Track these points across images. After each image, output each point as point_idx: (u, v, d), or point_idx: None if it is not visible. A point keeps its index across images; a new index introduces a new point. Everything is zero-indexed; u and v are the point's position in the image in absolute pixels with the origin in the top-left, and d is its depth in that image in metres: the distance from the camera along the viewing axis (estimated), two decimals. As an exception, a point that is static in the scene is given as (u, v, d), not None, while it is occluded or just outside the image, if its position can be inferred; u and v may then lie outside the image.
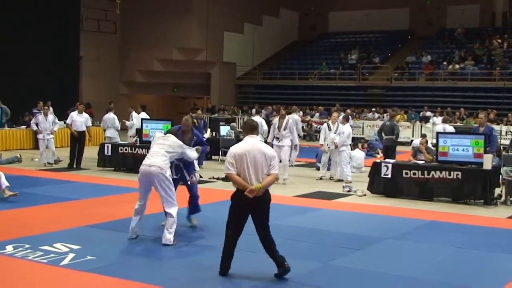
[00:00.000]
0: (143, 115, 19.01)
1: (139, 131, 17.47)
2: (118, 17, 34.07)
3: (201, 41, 34.33)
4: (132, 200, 11.87)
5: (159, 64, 35.54)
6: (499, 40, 34.04)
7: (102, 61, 34.35)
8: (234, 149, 6.88)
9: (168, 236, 8.37)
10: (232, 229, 6.92)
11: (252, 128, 7.04)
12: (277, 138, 15.15)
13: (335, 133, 15.48)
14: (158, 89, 37.40)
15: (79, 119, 17.16)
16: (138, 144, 16.72)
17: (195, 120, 17.49)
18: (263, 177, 6.76)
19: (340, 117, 16.81)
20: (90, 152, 18.18)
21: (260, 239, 6.96)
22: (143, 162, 8.63)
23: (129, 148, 16.66)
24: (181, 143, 8.90)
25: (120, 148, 16.85)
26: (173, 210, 8.49)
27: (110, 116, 19.37)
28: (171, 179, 8.59)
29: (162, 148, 8.68)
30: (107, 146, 17.04)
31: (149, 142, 16.04)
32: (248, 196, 6.62)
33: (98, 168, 16.93)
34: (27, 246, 8.02)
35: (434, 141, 14.22)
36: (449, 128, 17.22)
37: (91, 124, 17.93)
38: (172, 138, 8.88)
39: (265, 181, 6.77)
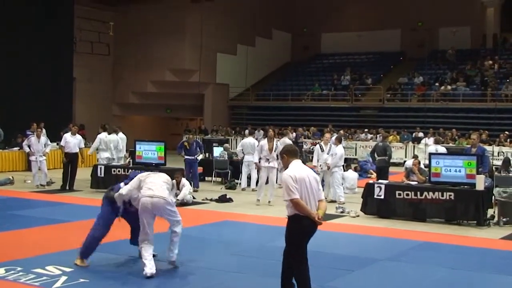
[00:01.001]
0: (103, 135, 18.14)
1: (132, 153, 17.46)
2: (111, 39, 34.19)
3: (194, 63, 34.45)
4: (124, 221, 11.86)
5: (152, 86, 35.60)
6: (490, 62, 34.31)
7: (95, 83, 34.40)
8: (293, 173, 6.46)
9: (176, 252, 8.33)
10: (304, 259, 6.54)
11: (296, 152, 6.78)
12: (267, 160, 15.21)
13: (328, 154, 15.52)
14: (151, 110, 37.44)
15: (73, 141, 17.16)
16: (131, 165, 16.70)
17: (185, 144, 17.54)
18: (315, 202, 6.52)
19: (333, 138, 16.85)
20: (83, 174, 18.15)
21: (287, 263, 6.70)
22: (145, 194, 8.13)
23: (122, 169, 16.64)
24: (171, 181, 8.68)
25: (113, 169, 16.82)
26: (180, 228, 8.47)
27: (114, 137, 18.65)
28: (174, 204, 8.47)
29: (160, 179, 8.42)
30: (100, 168, 17.01)
31: (143, 164, 16.20)
32: (317, 223, 6.36)
33: (91, 189, 16.88)
34: (19, 268, 7.98)
35: (427, 161, 14.26)
36: (441, 149, 17.26)
37: (83, 146, 17.90)
38: (165, 175, 8.64)
39: (324, 208, 6.59)
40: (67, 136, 17.27)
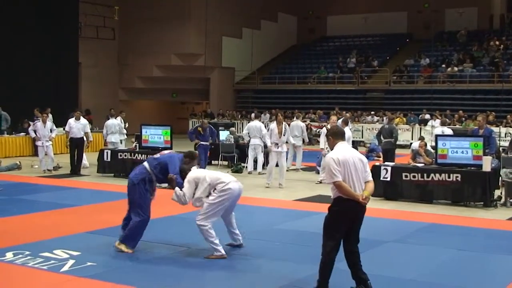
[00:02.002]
0: (83, 120, 17.84)
1: (138, 137, 17.48)
2: (116, 23, 34.10)
3: (199, 47, 34.36)
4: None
5: (158, 70, 35.58)
6: (497, 42, 34.09)
7: (101, 68, 34.40)
8: (336, 155, 6.29)
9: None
10: (337, 242, 6.36)
11: (343, 134, 6.61)
12: (276, 144, 15.17)
13: None
14: (157, 94, 37.44)
15: (76, 126, 17.20)
16: (137, 150, 16.72)
17: (199, 129, 17.39)
18: (362, 185, 6.39)
19: (339, 121, 16.78)
20: (90, 158, 18.20)
21: (348, 253, 6.48)
22: (233, 182, 8.20)
23: (129, 154, 16.66)
24: None
25: (119, 154, 16.84)
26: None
27: (114, 122, 19.34)
28: None
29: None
30: (107, 152, 17.03)
31: (149, 148, 16.21)
32: (362, 203, 6.24)
33: (97, 174, 16.92)
34: (27, 253, 8.02)
35: (433, 143, 14.21)
36: (448, 130, 17.20)
37: (89, 130, 17.94)
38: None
39: (370, 189, 6.42)
40: (71, 122, 17.30)
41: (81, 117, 17.73)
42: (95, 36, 32.73)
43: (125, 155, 16.69)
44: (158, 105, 39.51)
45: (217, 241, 8.09)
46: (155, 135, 16.57)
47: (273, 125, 15.62)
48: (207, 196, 8.13)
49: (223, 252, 8.05)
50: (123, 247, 8.29)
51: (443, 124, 18.70)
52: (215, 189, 8.13)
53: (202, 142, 17.11)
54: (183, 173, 8.38)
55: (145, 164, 8.69)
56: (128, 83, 36.29)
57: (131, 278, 7.10)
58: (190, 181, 8.19)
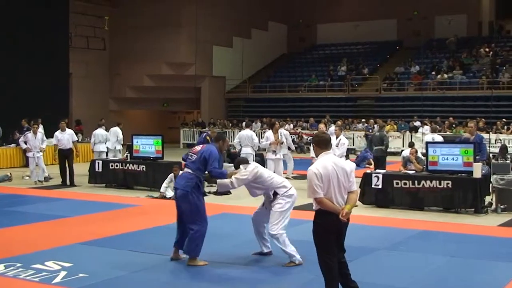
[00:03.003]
0: (69, 131, 18.02)
1: (129, 147, 17.46)
2: (106, 33, 34.14)
3: (190, 56, 34.40)
4: (123, 216, 11.91)
5: (149, 79, 35.57)
6: (487, 49, 34.30)
7: (91, 78, 34.36)
8: (318, 169, 6.16)
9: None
10: (331, 255, 6.23)
11: (327, 143, 6.43)
12: (274, 152, 15.22)
13: (337, 146, 14.49)
14: (148, 104, 37.40)
15: (64, 137, 17.21)
16: (128, 160, 16.70)
17: (208, 138, 17.20)
18: (345, 195, 6.31)
19: (332, 128, 16.71)
20: (81, 169, 18.16)
21: (338, 264, 6.34)
22: (293, 187, 8.50)
23: (120, 164, 16.64)
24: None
25: (111, 164, 16.82)
26: None
27: (102, 131, 19.68)
28: None
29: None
30: (98, 163, 17.00)
31: (140, 158, 16.20)
32: (342, 220, 6.10)
33: (89, 184, 16.88)
34: (18, 265, 7.99)
35: (424, 150, 14.26)
36: (438, 137, 17.25)
37: (77, 139, 18.01)
38: None
39: (352, 200, 6.32)
40: (58, 134, 17.32)
41: (66, 128, 17.68)
42: (86, 46, 32.75)
43: (117, 165, 16.66)
44: (149, 114, 39.49)
45: (294, 248, 8.14)
46: (146, 145, 16.54)
47: (269, 133, 15.65)
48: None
49: (300, 259, 8.09)
50: (198, 262, 8.13)
51: (433, 131, 18.77)
52: (278, 193, 8.21)
53: None
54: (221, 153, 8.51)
55: (187, 170, 8.46)
56: (119, 93, 36.26)
57: (123, 289, 7.09)
58: (250, 173, 8.27)
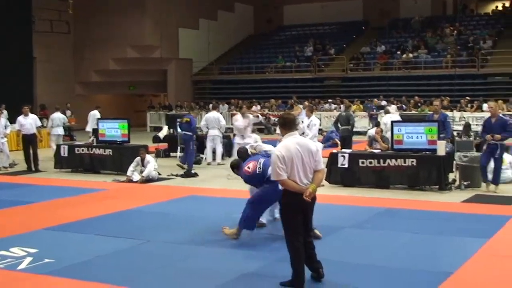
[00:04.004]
0: (32, 115, 18.13)
1: (95, 131, 17.33)
2: (71, 17, 33.62)
3: (155, 38, 34.12)
4: (90, 200, 11.85)
5: (115, 63, 35.20)
6: (451, 28, 34.64)
7: (56, 62, 33.87)
8: (281, 151, 6.22)
9: None
10: (298, 234, 6.33)
11: (291, 124, 6.45)
12: (242, 136, 15.11)
13: (308, 126, 14.38)
14: (115, 88, 37.03)
15: (27, 122, 17.03)
16: (95, 144, 16.56)
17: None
18: (311, 175, 6.37)
19: (304, 109, 16.68)
20: (47, 154, 17.98)
21: (304, 243, 6.40)
22: None
23: (86, 148, 16.49)
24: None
25: (76, 148, 16.66)
26: None
27: (60, 115, 20.13)
28: None
29: None
30: (63, 147, 16.84)
31: (106, 142, 16.09)
32: (306, 200, 6.19)
33: (55, 170, 16.71)
34: (-17, 251, 7.91)
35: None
36: (395, 117, 17.18)
37: (40, 124, 17.90)
38: None
39: (317, 180, 6.38)
40: (20, 119, 17.17)
41: (30, 113, 17.53)
42: (50, 30, 32.23)
43: (83, 150, 16.53)
44: (116, 98, 39.09)
45: None
46: (112, 128, 16.43)
47: (238, 116, 15.57)
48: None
49: None
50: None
51: (386, 112, 18.67)
52: None
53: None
54: None
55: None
56: (84, 77, 35.85)
57: (90, 274, 7.06)
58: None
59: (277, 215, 8.94)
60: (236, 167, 8.99)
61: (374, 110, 27.12)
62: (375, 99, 29.00)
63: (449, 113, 22.31)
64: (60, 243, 8.54)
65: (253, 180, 8.64)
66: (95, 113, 21.10)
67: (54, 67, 33.66)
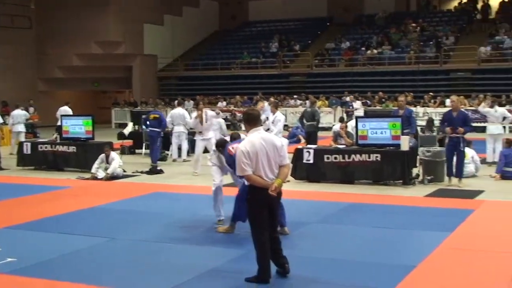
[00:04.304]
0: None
1: (59, 128, 17.13)
2: (33, 12, 33.14)
3: (120, 34, 33.84)
4: (53, 198, 11.70)
5: (78, 59, 34.81)
6: (414, 25, 35.01)
7: (18, 58, 33.39)
8: (245, 147, 6.26)
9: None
10: (263, 229, 6.34)
11: (255, 119, 6.49)
12: (200, 132, 14.98)
13: (272, 122, 14.63)
14: (79, 84, 36.63)
15: None
16: (58, 141, 16.35)
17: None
18: (276, 170, 6.38)
19: (267, 105, 16.68)
20: (9, 151, 17.72)
21: (270, 239, 6.41)
22: None
23: (49, 145, 16.28)
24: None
25: (39, 146, 16.44)
26: None
27: (20, 112, 20.09)
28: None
29: None
30: (26, 145, 16.60)
31: (70, 139, 15.91)
32: (271, 194, 6.23)
33: (17, 167, 16.47)
34: None
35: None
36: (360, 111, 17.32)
37: (2, 121, 17.72)
38: None
39: (283, 175, 6.40)
40: None
41: None
42: (11, 25, 31.72)
43: (46, 147, 16.30)
44: (80, 95, 38.62)
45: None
46: (76, 125, 16.24)
47: (195, 114, 15.50)
48: None
49: None
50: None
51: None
52: None
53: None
54: None
55: None
56: (47, 73, 35.39)
57: (54, 272, 6.97)
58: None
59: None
60: (221, 146, 8.98)
61: (351, 107, 27.17)
62: (351, 96, 29.00)
63: (412, 109, 22.58)
64: (23, 241, 8.42)
65: (233, 162, 8.54)
66: (65, 109, 21.02)
67: (16, 63, 33.19)
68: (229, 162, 8.68)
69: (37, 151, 16.35)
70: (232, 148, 8.52)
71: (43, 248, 8.02)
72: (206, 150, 14.74)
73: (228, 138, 9.21)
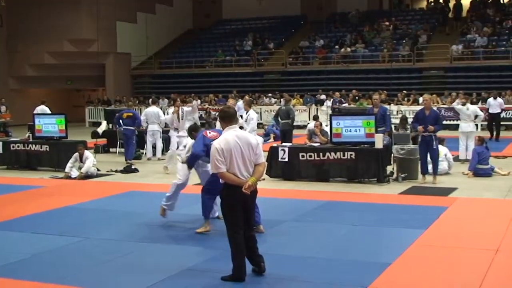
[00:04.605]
0: None
1: (31, 127, 16.93)
2: (3, 9, 32.74)
3: (92, 32, 33.53)
4: (26, 198, 11.57)
5: (50, 57, 34.45)
6: (387, 23, 35.25)
7: (-12, 56, 32.98)
8: (220, 144, 6.27)
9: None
10: (238, 228, 6.35)
11: (231, 117, 6.50)
12: (176, 129, 15.00)
13: (246, 121, 14.45)
14: (51, 82, 36.23)
15: None
16: (31, 140, 16.17)
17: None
18: (251, 168, 6.39)
19: (240, 103, 16.68)
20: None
21: (245, 238, 6.42)
22: None
23: (22, 144, 16.08)
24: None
25: (12, 145, 16.24)
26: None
27: None
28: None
29: None
30: (-2, 144, 16.40)
31: (43, 138, 15.74)
32: (245, 192, 6.19)
33: (-10, 167, 16.28)
34: None
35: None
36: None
37: None
38: None
39: (258, 173, 6.39)
40: None
41: None
42: (-19, 22, 31.34)
43: (18, 146, 16.11)
44: (53, 93, 38.20)
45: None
46: (49, 124, 16.08)
47: (171, 110, 15.48)
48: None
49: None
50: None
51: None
52: None
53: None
54: None
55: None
56: (18, 72, 34.98)
57: (27, 273, 6.89)
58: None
59: (217, 213, 9.03)
60: (194, 130, 9.11)
61: (338, 104, 27.08)
62: (337, 92, 28.83)
63: (387, 107, 22.71)
64: (-4, 242, 8.32)
65: (201, 141, 8.46)
66: (42, 108, 20.91)
67: (-14, 61, 32.78)
68: (198, 143, 8.59)
69: (10, 150, 16.16)
70: (209, 132, 8.57)
71: (15, 248, 7.93)
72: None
73: None
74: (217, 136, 8.33)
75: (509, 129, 24.73)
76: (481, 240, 8.09)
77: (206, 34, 41.05)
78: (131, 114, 16.85)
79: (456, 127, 16.61)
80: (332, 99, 27.74)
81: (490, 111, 21.32)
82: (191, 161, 8.77)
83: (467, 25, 33.45)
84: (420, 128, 12.53)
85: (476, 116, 16.47)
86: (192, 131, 9.13)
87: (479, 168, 13.53)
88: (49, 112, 20.42)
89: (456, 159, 15.31)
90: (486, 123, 22.29)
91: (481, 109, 18.52)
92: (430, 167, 12.81)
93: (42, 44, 33.42)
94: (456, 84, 29.19)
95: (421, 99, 26.13)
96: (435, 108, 13.49)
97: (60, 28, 33.01)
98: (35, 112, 20.60)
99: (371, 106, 14.97)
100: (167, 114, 15.68)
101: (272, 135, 21.76)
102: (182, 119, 15.03)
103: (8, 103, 28.70)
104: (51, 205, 10.81)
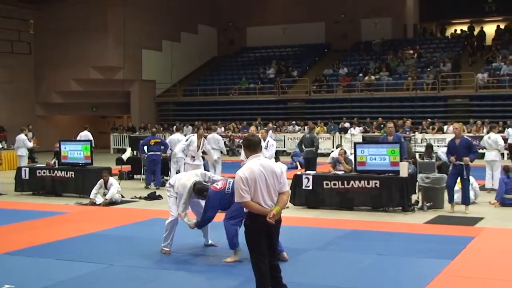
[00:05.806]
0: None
1: (57, 153, 17.10)
2: (32, 37, 33.31)
3: (118, 60, 33.94)
4: (51, 224, 11.64)
5: (76, 84, 34.89)
6: (411, 51, 35.23)
7: (16, 83, 33.51)
8: (244, 173, 6.22)
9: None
10: (262, 256, 6.27)
11: (255, 146, 6.44)
12: (193, 157, 15.06)
13: (265, 148, 14.39)
14: (77, 109, 36.68)
15: None
16: (56, 166, 16.32)
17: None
18: (275, 197, 6.34)
19: (271, 132, 16.72)
20: (7, 177, 17.66)
21: (270, 267, 6.33)
22: None
23: (48, 171, 16.23)
24: None
25: (38, 171, 16.40)
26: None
27: (22, 137, 20.14)
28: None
29: None
30: (25, 170, 16.56)
31: (69, 164, 15.88)
32: (270, 222, 6.10)
33: (15, 192, 16.42)
34: None
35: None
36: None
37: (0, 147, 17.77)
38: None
39: (282, 202, 6.35)
40: None
41: None
42: (10, 50, 31.87)
43: (44, 172, 16.26)
44: (78, 120, 38.67)
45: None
46: (74, 151, 16.24)
47: (194, 137, 15.56)
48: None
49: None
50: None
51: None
52: None
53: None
54: None
55: None
56: (45, 98, 35.47)
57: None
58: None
59: (210, 241, 9.41)
60: (205, 190, 8.87)
61: (408, 132, 26.64)
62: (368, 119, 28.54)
63: (411, 135, 22.61)
64: (21, 268, 8.36)
65: (216, 198, 8.59)
66: (86, 134, 21.19)
67: (14, 88, 33.31)
68: (212, 203, 8.67)
69: (36, 176, 16.31)
70: (217, 185, 8.70)
71: (41, 275, 7.97)
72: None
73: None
74: (225, 184, 8.67)
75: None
76: (508, 271, 7.95)
77: (230, 61, 41.35)
78: (158, 140, 17.29)
79: (482, 156, 16.44)
80: (332, 127, 27.87)
81: (510, 141, 21.11)
82: (203, 225, 9.04)
83: (493, 53, 33.30)
84: (452, 158, 12.43)
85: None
86: (204, 192, 8.87)
87: (506, 198, 13.36)
88: (91, 138, 20.60)
89: (482, 188, 15.14)
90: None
91: (503, 138, 18.30)
92: (455, 196, 12.69)
93: (69, 71, 33.91)
94: (481, 113, 28.98)
95: (445, 127, 25.98)
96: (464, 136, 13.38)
97: (86, 55, 33.48)
98: (78, 138, 21.08)
99: (384, 134, 14.84)
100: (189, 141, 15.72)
101: (297, 163, 21.71)
102: (201, 149, 15.15)
103: (34, 129, 29.05)
104: (76, 232, 10.86)
